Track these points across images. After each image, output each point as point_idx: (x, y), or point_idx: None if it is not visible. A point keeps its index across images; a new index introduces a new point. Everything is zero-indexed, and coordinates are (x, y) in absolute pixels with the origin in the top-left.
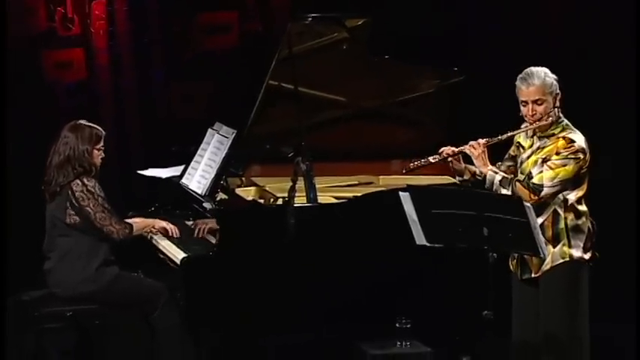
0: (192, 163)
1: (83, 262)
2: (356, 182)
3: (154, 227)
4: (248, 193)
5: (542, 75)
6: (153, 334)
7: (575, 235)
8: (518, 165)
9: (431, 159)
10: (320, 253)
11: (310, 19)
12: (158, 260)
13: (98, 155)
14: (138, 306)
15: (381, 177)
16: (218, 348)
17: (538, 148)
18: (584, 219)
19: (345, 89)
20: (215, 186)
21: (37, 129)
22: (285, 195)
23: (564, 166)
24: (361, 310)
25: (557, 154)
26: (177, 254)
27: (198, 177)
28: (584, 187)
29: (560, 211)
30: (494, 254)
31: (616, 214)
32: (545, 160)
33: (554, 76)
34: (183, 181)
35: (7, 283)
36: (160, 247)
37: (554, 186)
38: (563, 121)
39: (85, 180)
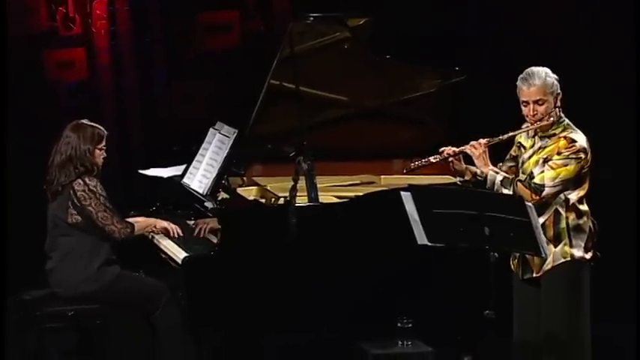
0: (194, 163)
1: (85, 262)
2: (357, 182)
3: (155, 227)
4: (249, 192)
5: (543, 75)
6: (154, 334)
7: (576, 235)
8: (520, 165)
9: (432, 159)
10: (321, 252)
11: (312, 18)
12: (159, 260)
13: (100, 155)
14: (139, 305)
15: (382, 176)
16: (219, 347)
17: (539, 148)
18: (585, 219)
19: (346, 89)
20: (216, 185)
21: (38, 129)
22: (287, 194)
23: (566, 165)
24: (362, 309)
25: (559, 153)
26: (178, 254)
27: (199, 176)
28: (586, 186)
29: (562, 211)
30: (496, 254)
31: (616, 214)
32: (546, 160)
33: (555, 76)
34: (185, 180)
35: (7, 283)
36: (162, 247)
37: (555, 186)
38: (564, 120)
39: (86, 179)
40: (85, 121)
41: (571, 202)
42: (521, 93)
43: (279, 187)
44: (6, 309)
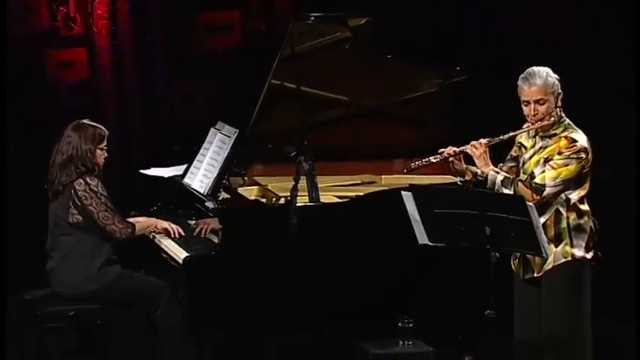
0: (195, 163)
1: (86, 262)
2: (358, 181)
3: (156, 227)
4: (250, 192)
5: (544, 75)
6: (155, 333)
7: (577, 235)
8: (521, 165)
9: (432, 159)
10: (322, 252)
11: (312, 18)
12: (160, 259)
13: (101, 155)
14: (140, 304)
15: (383, 176)
16: (220, 347)
17: (540, 148)
18: (586, 218)
19: (347, 88)
20: (217, 185)
21: (39, 128)
22: (288, 194)
23: (566, 165)
24: (363, 309)
25: (560, 153)
26: (179, 253)
27: (200, 176)
28: (587, 186)
29: (563, 211)
30: (497, 253)
31: (616, 215)
32: (547, 160)
33: (556, 76)
34: (186, 180)
35: (7, 283)
36: (163, 247)
37: (556, 186)
38: (565, 120)
39: (87, 179)
40: (86, 120)
41: (572, 201)
42: (522, 92)
43: (280, 186)
44: (6, 309)
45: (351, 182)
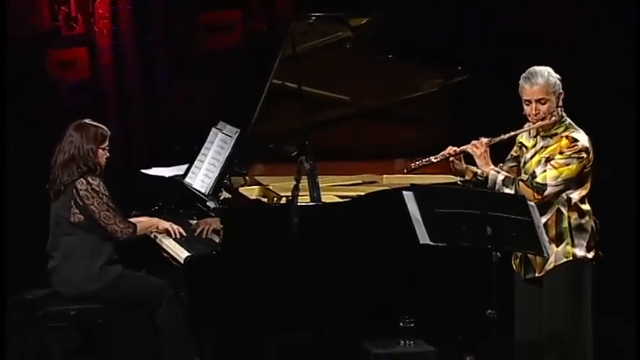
0: (196, 162)
1: (87, 261)
2: (359, 181)
3: (157, 228)
4: (252, 192)
5: (545, 74)
6: (156, 333)
7: (578, 235)
8: (522, 165)
9: (433, 158)
10: (323, 252)
11: (314, 18)
12: (161, 259)
13: (103, 155)
14: (142, 304)
15: (384, 176)
16: (221, 347)
17: (541, 147)
18: (587, 218)
19: (348, 88)
20: (219, 185)
21: (40, 128)
22: (289, 194)
23: (568, 165)
24: (365, 309)
25: (561, 153)
26: (180, 253)
27: (201, 176)
28: (588, 186)
29: (564, 211)
30: (498, 253)
31: (616, 215)
32: (548, 160)
33: (557, 76)
34: (187, 180)
35: (7, 283)
36: (164, 246)
37: (557, 185)
38: (566, 120)
39: (89, 179)
40: (88, 120)
41: (573, 201)
42: (524, 92)
43: (281, 186)
44: (6, 309)
45: (353, 182)
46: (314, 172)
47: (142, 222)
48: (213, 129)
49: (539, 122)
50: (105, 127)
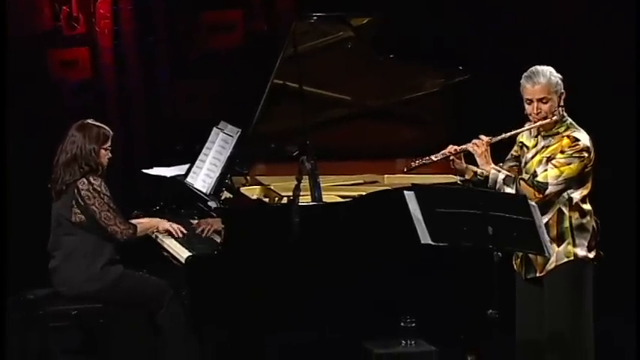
0: (197, 162)
1: (88, 261)
2: (361, 181)
3: (157, 229)
4: (253, 192)
5: (547, 74)
6: (157, 333)
7: (579, 234)
8: (523, 165)
9: (433, 157)
10: (325, 251)
11: (315, 18)
12: (162, 258)
13: (105, 155)
14: (143, 304)
15: (385, 176)
16: (222, 346)
17: (543, 147)
18: (588, 218)
19: (349, 88)
20: (220, 185)
21: (42, 128)
22: (290, 194)
23: (569, 164)
24: (366, 308)
25: (562, 152)
26: (182, 253)
27: (203, 176)
28: (589, 185)
29: (565, 210)
30: (499, 253)
31: (616, 215)
32: (550, 159)
33: (559, 75)
34: (188, 179)
35: (7, 283)
36: (165, 246)
37: (558, 184)
38: (567, 120)
39: (91, 179)
40: (90, 120)
41: (574, 201)
42: (525, 91)
43: (282, 186)
44: (6, 309)
45: (354, 182)
46: (315, 172)
47: (143, 223)
48: (214, 129)
49: (541, 121)
50: (107, 128)
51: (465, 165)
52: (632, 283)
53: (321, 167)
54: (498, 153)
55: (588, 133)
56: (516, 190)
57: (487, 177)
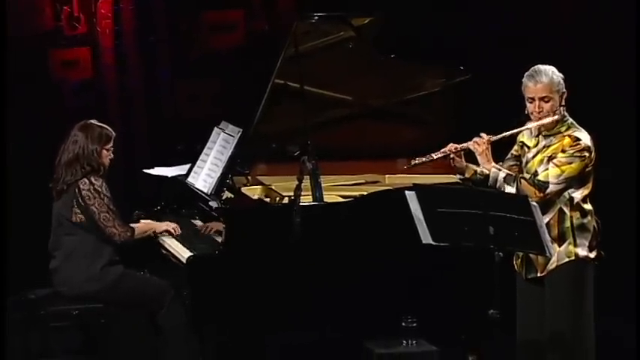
0: (198, 162)
1: (88, 261)
2: (362, 181)
3: (154, 232)
4: (254, 192)
5: (550, 73)
6: (158, 333)
7: (580, 234)
8: (524, 165)
9: (434, 155)
10: (326, 251)
11: (316, 18)
12: (163, 258)
13: (107, 156)
14: (143, 305)
15: (386, 176)
16: (223, 346)
17: (544, 146)
18: (589, 218)
19: (351, 88)
20: (221, 185)
21: (43, 128)
22: (291, 194)
23: (570, 163)
24: (367, 308)
25: (563, 151)
26: (183, 253)
27: (204, 176)
28: (590, 185)
29: (566, 210)
30: (501, 253)
31: (616, 215)
32: (551, 159)
33: (561, 75)
34: (189, 179)
35: (7, 283)
36: (166, 246)
37: (559, 183)
38: (568, 119)
39: (92, 179)
40: (93, 121)
41: (575, 201)
42: (527, 90)
43: (283, 186)
44: (6, 309)
45: (355, 182)
46: (316, 172)
47: (140, 226)
48: (215, 129)
49: (542, 120)
50: (110, 129)
51: (465, 163)
52: (632, 283)
53: (322, 167)
54: (499, 152)
55: (589, 133)
56: (517, 188)
57: (487, 176)
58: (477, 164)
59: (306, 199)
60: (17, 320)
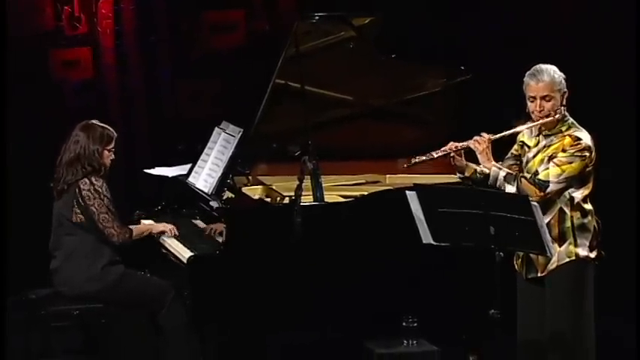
0: (199, 162)
1: (89, 261)
2: (363, 181)
3: (151, 232)
4: (255, 191)
5: (551, 72)
6: (159, 333)
7: (581, 234)
8: (524, 164)
9: (434, 154)
10: (326, 251)
11: (317, 18)
12: (164, 258)
13: (108, 156)
14: (145, 305)
15: (387, 176)
16: (224, 346)
17: (544, 146)
18: (589, 217)
19: (351, 88)
20: (222, 185)
21: (44, 128)
22: (292, 194)
23: (570, 163)
24: (368, 308)
25: (564, 151)
26: (184, 253)
27: (204, 176)
28: (590, 185)
29: (567, 210)
30: (501, 253)
31: (616, 215)
32: (551, 158)
33: (562, 75)
34: (190, 179)
35: (7, 283)
36: (167, 246)
37: (559, 183)
38: (568, 119)
39: (93, 179)
40: (95, 121)
41: (576, 200)
42: (529, 88)
43: (284, 186)
44: (6, 309)
45: (355, 182)
46: (317, 172)
47: (138, 227)
48: (216, 128)
49: (543, 119)
50: (111, 129)
51: (465, 162)
52: (632, 283)
53: (323, 167)
54: (499, 152)
55: (589, 133)
56: (517, 187)
57: (487, 175)
58: (477, 163)
59: (307, 199)
60: (18, 320)
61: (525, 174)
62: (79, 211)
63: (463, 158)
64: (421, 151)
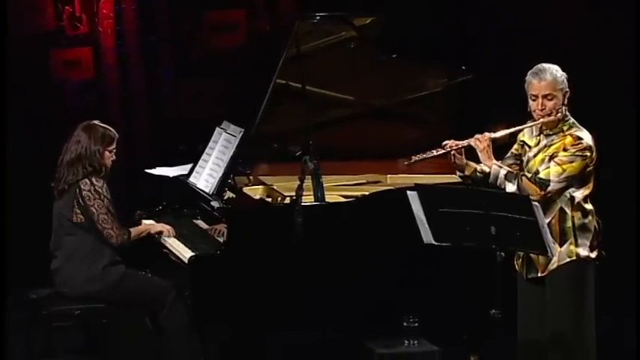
0: (200, 162)
1: (90, 261)
2: (363, 181)
3: (150, 232)
4: (256, 192)
5: (554, 71)
6: (160, 333)
7: (581, 234)
8: (525, 164)
9: (434, 152)
10: (327, 251)
11: (318, 18)
12: (164, 258)
13: (109, 157)
14: (145, 305)
15: (388, 176)
16: (225, 346)
17: (545, 145)
18: (590, 217)
19: (352, 88)
20: (223, 185)
21: (45, 128)
22: (293, 194)
23: (571, 162)
24: (368, 308)
25: (565, 150)
26: (184, 253)
27: (205, 176)
28: (591, 185)
29: (568, 210)
30: (502, 253)
31: (616, 215)
32: (552, 157)
33: (564, 74)
34: (191, 179)
35: (7, 283)
36: (168, 246)
37: (560, 182)
38: (569, 118)
39: (93, 180)
40: (96, 122)
41: (576, 200)
42: (531, 87)
43: (285, 186)
44: (6, 309)
45: (356, 182)
46: (318, 172)
47: (136, 228)
48: (217, 128)
49: (544, 118)
50: (113, 130)
51: (465, 161)
52: (632, 283)
53: (324, 167)
54: (499, 151)
55: (589, 133)
56: (518, 186)
57: (488, 173)
58: (478, 162)
59: (308, 199)
60: (19, 320)
61: (526, 173)
62: (79, 211)
63: (463, 157)
64: (422, 150)
